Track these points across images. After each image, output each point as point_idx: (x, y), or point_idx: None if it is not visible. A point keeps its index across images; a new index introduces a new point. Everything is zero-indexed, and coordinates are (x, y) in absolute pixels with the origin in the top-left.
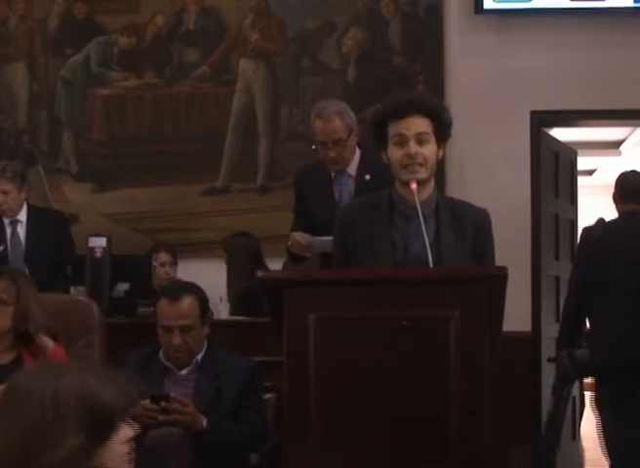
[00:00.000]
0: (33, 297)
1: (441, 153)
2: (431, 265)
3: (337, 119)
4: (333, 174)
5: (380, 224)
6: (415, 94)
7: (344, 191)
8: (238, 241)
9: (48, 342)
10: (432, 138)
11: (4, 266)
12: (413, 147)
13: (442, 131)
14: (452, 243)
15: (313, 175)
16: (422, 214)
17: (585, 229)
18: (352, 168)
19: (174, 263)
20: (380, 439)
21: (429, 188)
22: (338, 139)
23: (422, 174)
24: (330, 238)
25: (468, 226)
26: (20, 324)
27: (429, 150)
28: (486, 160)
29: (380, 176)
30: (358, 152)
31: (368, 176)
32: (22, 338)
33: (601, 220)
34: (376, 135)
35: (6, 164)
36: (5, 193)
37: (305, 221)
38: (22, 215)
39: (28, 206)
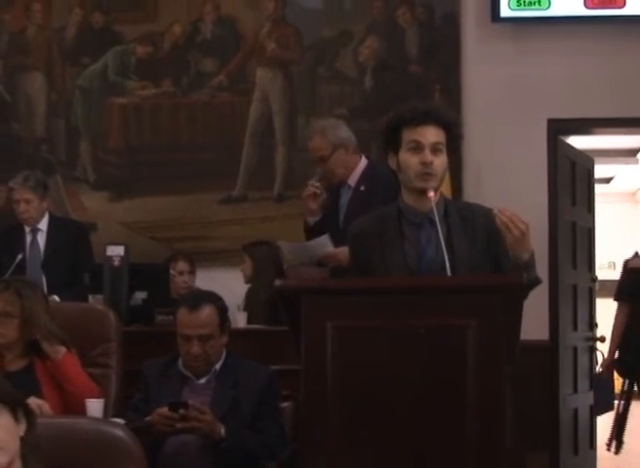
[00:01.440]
0: (39, 307)
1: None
2: (448, 269)
3: (317, 137)
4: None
5: (390, 236)
6: (431, 104)
7: (343, 202)
8: (262, 250)
9: (59, 349)
10: (445, 149)
11: (9, 278)
12: (429, 156)
13: (453, 143)
14: (464, 244)
15: (331, 189)
16: (432, 219)
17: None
18: (353, 179)
19: (192, 272)
20: (397, 448)
21: (437, 194)
22: (320, 157)
23: (434, 183)
24: (312, 241)
25: (479, 227)
26: (26, 334)
27: (442, 161)
28: (503, 168)
29: (374, 188)
30: (363, 164)
31: (363, 187)
32: (34, 346)
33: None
34: (387, 140)
35: (28, 173)
36: (27, 202)
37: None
38: (43, 224)
39: (50, 215)
